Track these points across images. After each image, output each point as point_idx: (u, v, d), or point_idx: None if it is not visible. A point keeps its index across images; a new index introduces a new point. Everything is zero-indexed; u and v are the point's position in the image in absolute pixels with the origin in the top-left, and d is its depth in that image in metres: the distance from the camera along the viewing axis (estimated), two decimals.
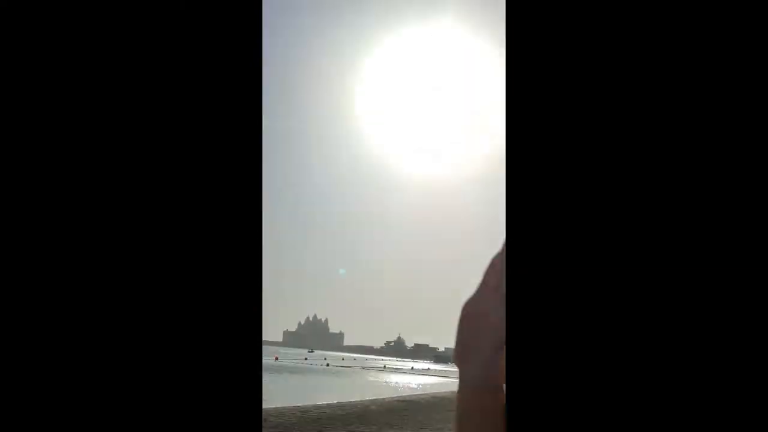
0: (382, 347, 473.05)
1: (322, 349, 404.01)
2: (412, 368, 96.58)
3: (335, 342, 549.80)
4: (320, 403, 20.26)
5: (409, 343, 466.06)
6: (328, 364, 78.39)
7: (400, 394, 28.46)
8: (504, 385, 0.55)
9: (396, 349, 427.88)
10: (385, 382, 46.51)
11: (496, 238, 0.53)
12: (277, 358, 76.77)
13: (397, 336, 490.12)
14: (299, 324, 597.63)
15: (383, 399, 23.92)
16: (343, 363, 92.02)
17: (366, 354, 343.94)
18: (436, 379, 59.13)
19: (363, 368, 77.37)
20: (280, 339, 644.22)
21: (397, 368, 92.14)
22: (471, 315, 0.61)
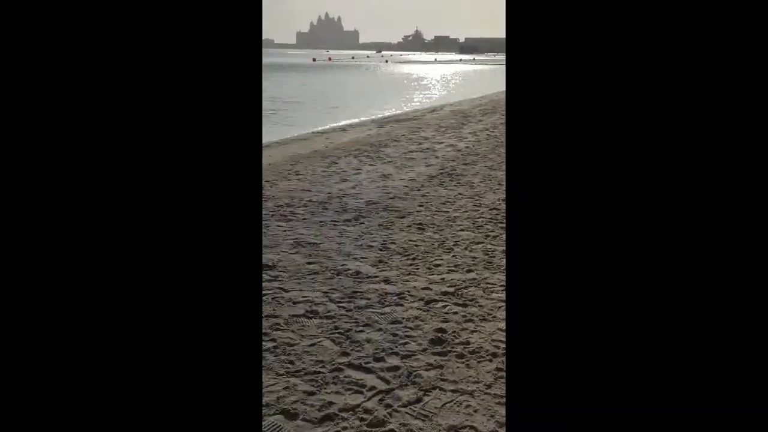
0: (399, 42, 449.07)
1: (336, 49, 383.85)
2: (435, 60, 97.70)
3: (349, 40, 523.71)
4: None
5: (428, 36, 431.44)
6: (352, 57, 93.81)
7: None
8: None
9: (414, 43, 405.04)
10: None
11: None
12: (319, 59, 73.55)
13: (414, 29, 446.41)
14: (311, 24, 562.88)
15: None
16: (374, 59, 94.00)
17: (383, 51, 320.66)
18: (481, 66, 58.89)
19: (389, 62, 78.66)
20: (293, 41, 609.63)
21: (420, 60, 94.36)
22: None
